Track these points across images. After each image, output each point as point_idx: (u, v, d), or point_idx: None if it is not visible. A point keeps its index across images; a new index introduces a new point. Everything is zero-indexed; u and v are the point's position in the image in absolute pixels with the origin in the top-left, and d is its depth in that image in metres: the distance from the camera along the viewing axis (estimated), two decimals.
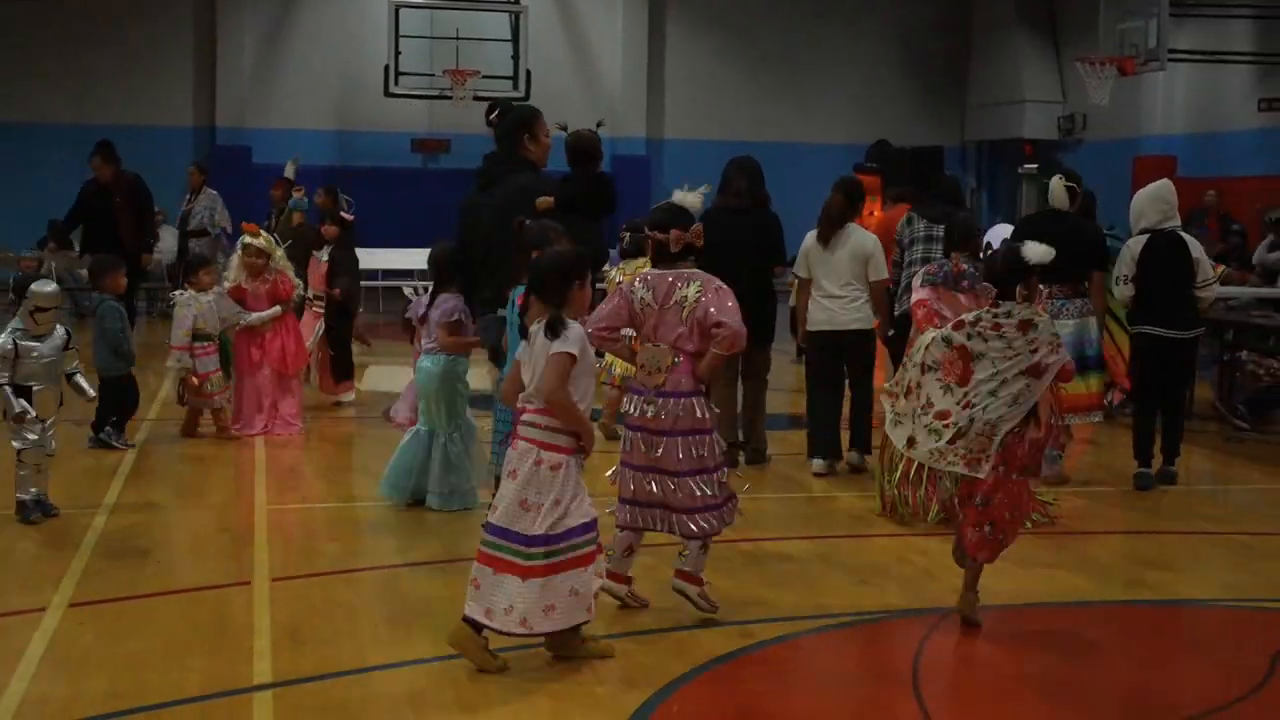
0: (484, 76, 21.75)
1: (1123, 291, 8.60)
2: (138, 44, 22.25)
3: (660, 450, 5.67)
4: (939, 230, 9.16)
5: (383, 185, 21.55)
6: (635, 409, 5.75)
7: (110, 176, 13.79)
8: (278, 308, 9.95)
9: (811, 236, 8.94)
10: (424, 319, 7.72)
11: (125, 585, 6.21)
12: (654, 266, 5.92)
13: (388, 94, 21.88)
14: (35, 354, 7.19)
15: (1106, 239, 9.26)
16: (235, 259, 10.17)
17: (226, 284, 9.96)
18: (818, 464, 8.76)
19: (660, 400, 5.68)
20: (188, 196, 17.09)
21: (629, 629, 5.71)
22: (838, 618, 5.97)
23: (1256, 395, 11.26)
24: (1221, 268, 14.06)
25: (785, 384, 10.24)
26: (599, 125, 7.96)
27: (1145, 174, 17.56)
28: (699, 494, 5.71)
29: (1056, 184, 8.90)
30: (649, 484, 5.75)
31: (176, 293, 9.80)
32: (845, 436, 8.91)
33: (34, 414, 7.15)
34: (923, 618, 5.95)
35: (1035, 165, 23.31)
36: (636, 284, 5.83)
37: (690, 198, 5.95)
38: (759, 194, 9.06)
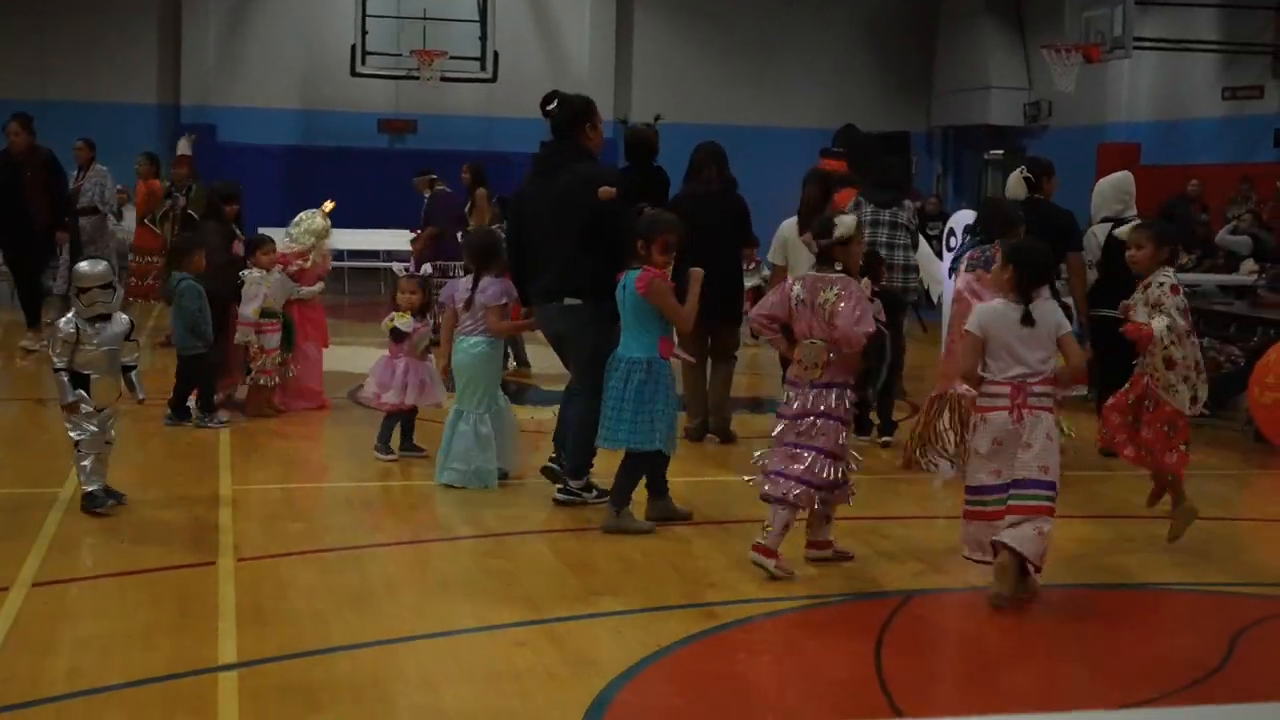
0: (451, 57, 21.67)
1: (1090, 276, 8.75)
2: (101, 19, 22.06)
3: (799, 434, 6.27)
4: (886, 215, 9.44)
5: (349, 165, 21.48)
6: (792, 401, 6.29)
7: (24, 147, 13.03)
8: (321, 284, 10.32)
9: (789, 225, 9.08)
10: (468, 303, 7.82)
11: (89, 565, 6.19)
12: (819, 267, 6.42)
13: (354, 74, 21.77)
14: (95, 341, 6.92)
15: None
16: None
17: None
18: None
19: (813, 392, 6.23)
20: (75, 174, 15.93)
21: (594, 610, 5.73)
22: (801, 600, 6.01)
23: (1216, 381, 11.34)
24: (1188, 258, 14.23)
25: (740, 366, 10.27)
26: (657, 119, 8.11)
27: (1110, 161, 17.68)
28: (818, 470, 6.24)
29: (1015, 176, 9.21)
30: (799, 459, 6.26)
31: (245, 272, 9.84)
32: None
33: (90, 405, 6.91)
34: (886, 600, 6.00)
35: (1000, 152, 23.40)
36: (795, 284, 6.38)
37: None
38: (727, 178, 9.20)
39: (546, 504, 7.61)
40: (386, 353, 8.64)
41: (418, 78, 21.65)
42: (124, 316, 7.18)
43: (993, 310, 6.01)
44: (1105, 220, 8.96)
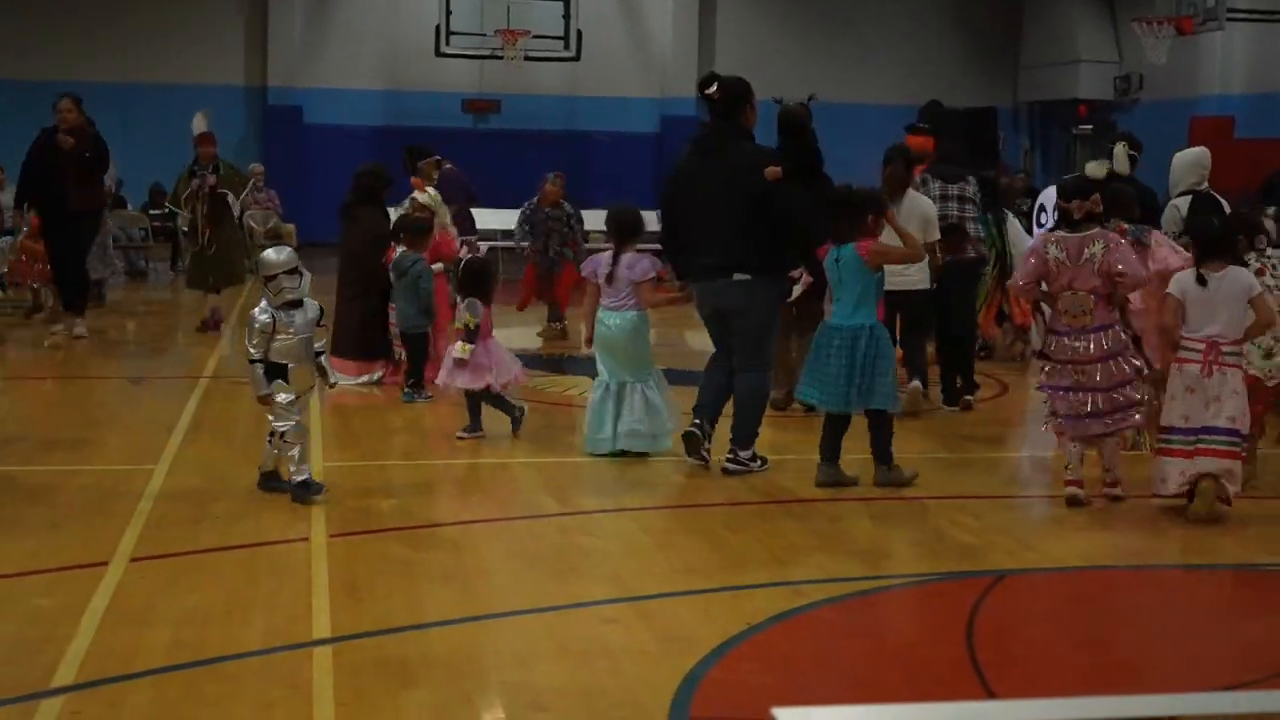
0: (535, 36, 21.75)
1: None
2: (188, 4, 22.33)
3: (1086, 375, 7.02)
4: (954, 190, 9.89)
5: (433, 145, 21.56)
6: (1065, 346, 7.05)
7: (75, 126, 12.42)
8: (440, 264, 10.34)
9: None
10: (610, 277, 7.95)
11: (185, 540, 6.28)
12: (1061, 227, 7.20)
13: (439, 54, 21.92)
14: (291, 329, 6.83)
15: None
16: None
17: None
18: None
19: (1089, 335, 7.01)
20: None
21: (681, 588, 5.74)
22: (891, 579, 5.98)
23: None
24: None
25: None
26: (810, 99, 8.24)
27: (1203, 134, 17.39)
28: (1121, 399, 7.06)
29: (1120, 150, 9.63)
30: (1084, 402, 7.05)
31: (397, 250, 10.09)
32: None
33: (288, 396, 6.83)
34: (977, 580, 5.94)
35: (1090, 126, 23.07)
36: (1050, 245, 7.12)
37: (1099, 169, 7.95)
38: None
39: (635, 481, 7.64)
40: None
41: (501, 57, 21.75)
42: (314, 303, 7.04)
43: (1187, 276, 6.87)
44: (1184, 194, 9.16)
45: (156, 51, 22.01)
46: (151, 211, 19.72)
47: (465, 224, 14.05)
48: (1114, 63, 22.91)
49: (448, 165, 14.54)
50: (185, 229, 14.72)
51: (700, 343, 11.86)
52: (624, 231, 8.09)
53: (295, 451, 6.88)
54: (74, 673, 4.65)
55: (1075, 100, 23.25)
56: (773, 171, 7.54)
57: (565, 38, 22.21)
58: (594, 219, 20.75)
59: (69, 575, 5.74)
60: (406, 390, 9.77)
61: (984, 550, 6.39)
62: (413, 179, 11.07)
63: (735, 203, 7.51)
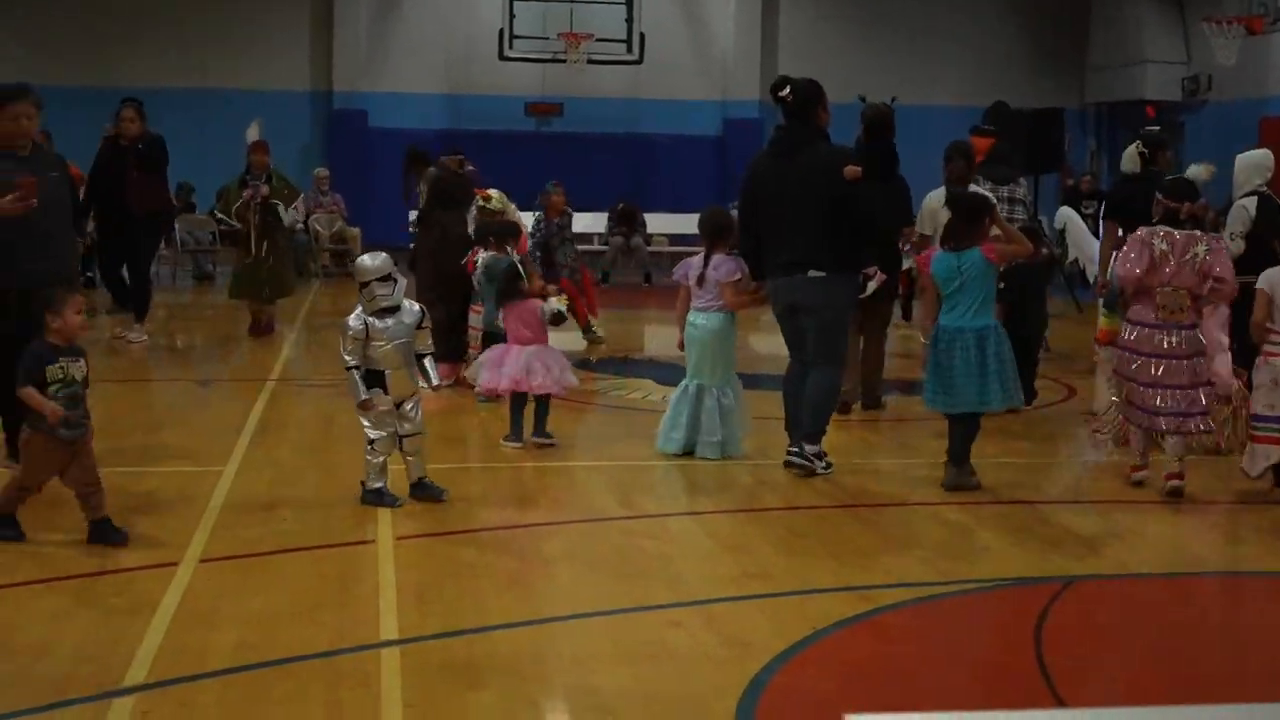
0: (598, 40, 21.76)
1: (1238, 246, 8.73)
2: (254, 9, 22.53)
3: (1168, 370, 7.31)
4: (1005, 191, 10.10)
5: (496, 149, 21.64)
6: (1154, 339, 7.33)
7: (137, 135, 12.55)
8: None
9: (936, 197, 9.34)
10: (700, 279, 8.06)
11: (253, 542, 6.33)
12: (1163, 225, 7.47)
13: (502, 57, 21.97)
14: (386, 335, 6.79)
15: None
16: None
17: None
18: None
19: (1179, 331, 7.31)
20: None
21: (746, 593, 5.72)
22: (959, 584, 5.93)
23: None
24: None
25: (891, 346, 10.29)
26: (893, 100, 8.42)
27: (1273, 135, 17.14)
28: (1193, 400, 7.30)
29: (1130, 151, 9.97)
30: (1155, 398, 7.31)
31: (483, 254, 10.15)
32: None
33: (384, 403, 6.82)
34: (1045, 586, 5.89)
35: (1158, 127, 22.78)
36: (1157, 239, 7.38)
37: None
38: None
39: (698, 484, 7.63)
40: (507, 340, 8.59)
41: (564, 60, 21.77)
42: (414, 306, 7.03)
43: (1277, 273, 7.32)
44: (1249, 194, 9.08)
45: (225, 57, 22.20)
46: (218, 216, 19.91)
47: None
48: (1182, 63, 22.62)
49: (470, 167, 14.49)
50: (229, 236, 14.63)
51: (764, 346, 11.85)
52: (715, 233, 8.21)
53: (379, 460, 6.89)
54: (145, 672, 4.70)
55: (1143, 101, 22.91)
56: (852, 171, 7.68)
57: (628, 41, 22.19)
58: (657, 222, 20.95)
59: (140, 575, 5.81)
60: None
61: (1052, 555, 6.33)
62: (476, 190, 11.13)
63: (811, 202, 7.66)
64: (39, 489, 6.27)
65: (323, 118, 22.87)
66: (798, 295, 7.78)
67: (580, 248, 14.18)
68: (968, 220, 7.53)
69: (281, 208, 13.25)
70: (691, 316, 8.20)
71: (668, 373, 11.17)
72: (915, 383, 10.60)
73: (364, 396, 6.81)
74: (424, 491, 7.03)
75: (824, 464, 7.78)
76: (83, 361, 6.20)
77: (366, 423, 6.89)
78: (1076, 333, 13.20)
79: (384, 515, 6.76)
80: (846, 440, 8.60)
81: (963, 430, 7.50)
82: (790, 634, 5.19)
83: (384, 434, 6.87)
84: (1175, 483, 7.29)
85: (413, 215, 15.82)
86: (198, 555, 6.07)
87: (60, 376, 6.07)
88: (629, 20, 22.10)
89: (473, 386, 9.21)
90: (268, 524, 6.65)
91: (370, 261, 6.90)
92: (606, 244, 20.31)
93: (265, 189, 13.09)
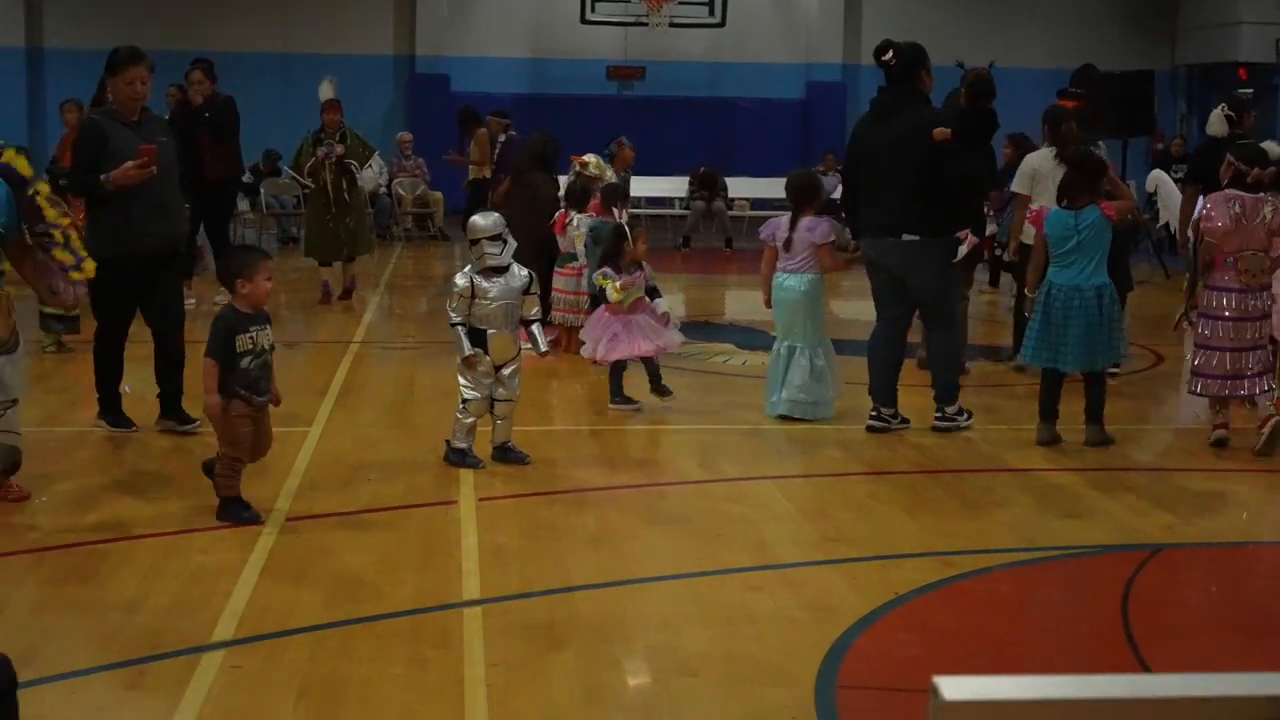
0: (680, 3, 21.66)
1: None
2: None
3: (1255, 332, 7.50)
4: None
5: (578, 113, 21.66)
6: (1233, 302, 7.48)
7: (207, 95, 12.28)
8: None
9: (1039, 157, 9.45)
10: (788, 242, 8.10)
11: (338, 501, 6.41)
12: (1233, 188, 7.60)
13: (584, 21, 21.94)
14: (491, 295, 6.82)
15: None
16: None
17: None
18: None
19: (1260, 294, 7.49)
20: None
21: (827, 557, 5.71)
22: (1043, 551, 5.88)
23: None
24: None
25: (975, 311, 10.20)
26: (991, 65, 8.52)
27: None
28: (1268, 359, 7.46)
29: (1216, 114, 10.21)
30: (1241, 360, 7.48)
31: (578, 217, 10.26)
32: None
33: (485, 364, 6.85)
34: (1131, 554, 5.82)
35: (1250, 91, 22.35)
36: (1233, 203, 7.51)
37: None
38: None
39: (780, 449, 7.62)
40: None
41: (646, 24, 21.69)
42: (524, 271, 7.00)
43: None
44: None
45: (309, 22, 22.36)
46: (290, 174, 20.08)
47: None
48: (1276, 24, 22.14)
49: (514, 133, 14.44)
50: (303, 196, 14.24)
51: (844, 310, 11.79)
52: (802, 196, 8.25)
53: (469, 420, 6.91)
54: (233, 628, 4.77)
55: (1235, 64, 22.51)
56: (940, 132, 7.69)
57: (710, 4, 22.08)
58: (738, 187, 20.84)
59: (228, 533, 5.89)
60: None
61: (1139, 524, 6.26)
62: (573, 157, 11.17)
63: (905, 164, 7.72)
64: (251, 458, 6.17)
65: (405, 82, 22.98)
66: (892, 259, 7.84)
67: (661, 212, 14.17)
68: (1086, 178, 7.60)
69: (357, 167, 13.10)
70: (779, 278, 8.22)
71: (749, 337, 11.17)
72: (998, 347, 10.53)
73: (468, 352, 6.81)
74: (508, 455, 7.07)
75: (965, 417, 7.98)
76: (269, 328, 6.13)
77: (464, 382, 6.91)
78: (1164, 299, 13.00)
79: (467, 476, 6.81)
80: (930, 405, 8.53)
81: (1096, 388, 7.67)
82: (872, 599, 5.18)
83: (479, 395, 6.89)
84: (1267, 426, 7.44)
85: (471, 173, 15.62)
86: (284, 514, 6.16)
87: (250, 346, 5.98)
88: None
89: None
90: (352, 485, 6.72)
91: (482, 220, 6.95)
92: (688, 208, 20.26)
93: (340, 148, 12.90)
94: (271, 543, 5.75)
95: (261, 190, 19.33)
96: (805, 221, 8.13)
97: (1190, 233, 9.41)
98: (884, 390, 7.94)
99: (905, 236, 7.75)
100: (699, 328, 12.10)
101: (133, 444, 7.44)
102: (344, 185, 12.99)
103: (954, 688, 1.76)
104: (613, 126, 19.31)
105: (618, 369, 8.49)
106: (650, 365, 8.48)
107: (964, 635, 4.96)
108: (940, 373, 8.02)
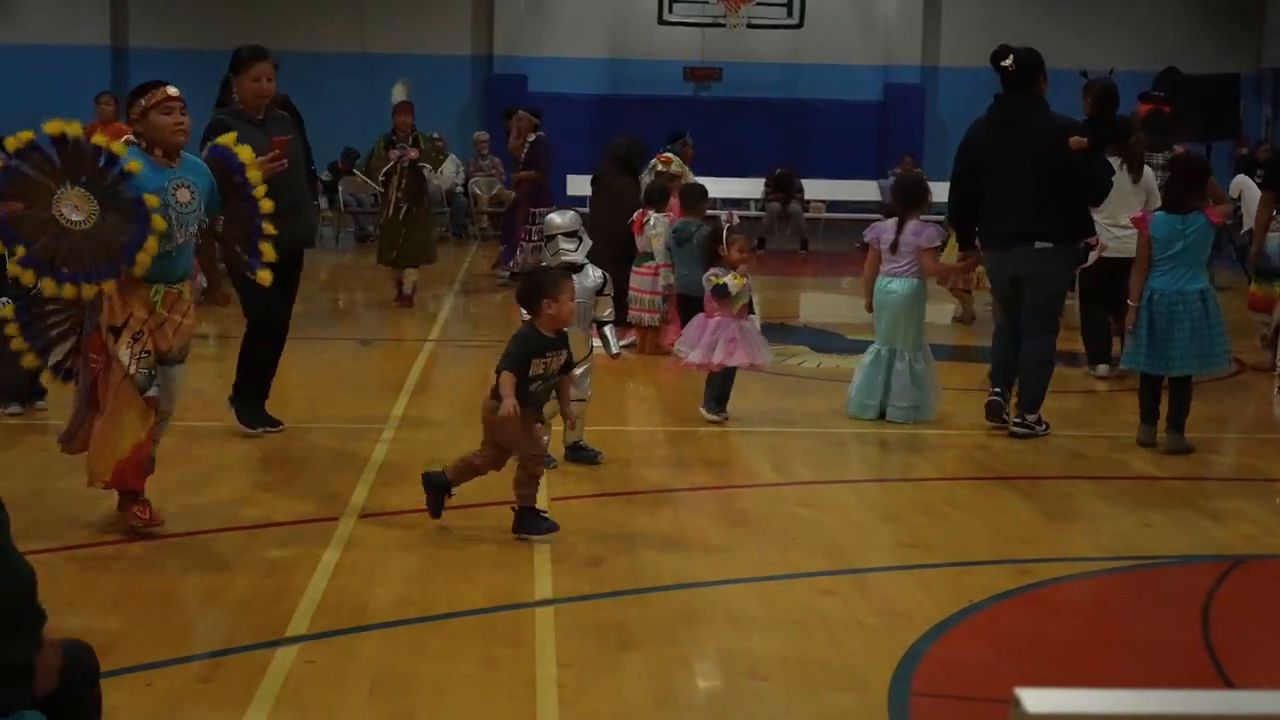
0: (758, 3, 21.62)
1: None
2: None
3: None
4: (1159, 158, 10.14)
5: (654, 114, 21.65)
6: None
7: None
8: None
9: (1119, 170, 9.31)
10: (894, 245, 8.12)
11: (411, 498, 6.43)
12: None
13: (661, 21, 21.95)
14: None
15: None
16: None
17: None
18: (1102, 369, 9.73)
19: None
20: None
21: (901, 563, 5.66)
22: (1122, 560, 5.79)
23: None
24: None
25: None
26: (1111, 72, 8.55)
27: None
28: None
29: None
30: None
31: (655, 216, 10.33)
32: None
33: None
34: (1213, 565, 5.73)
35: None
36: None
37: None
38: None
39: (853, 453, 7.57)
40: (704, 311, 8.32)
41: (724, 25, 21.66)
42: (598, 272, 7.01)
43: None
44: None
45: (390, 22, 22.52)
46: (360, 176, 20.23)
47: (541, 197, 13.73)
48: None
49: (542, 133, 14.31)
50: (374, 200, 14.03)
51: (934, 315, 11.70)
52: (910, 200, 8.30)
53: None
54: (307, 623, 4.80)
55: None
56: (1077, 141, 7.76)
57: (788, 4, 22.01)
58: (814, 189, 20.75)
59: (303, 529, 5.94)
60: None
61: (1220, 534, 6.15)
62: (658, 155, 11.24)
63: (1040, 171, 7.71)
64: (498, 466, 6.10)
65: (482, 82, 23.09)
66: (1022, 266, 7.81)
67: (737, 213, 14.15)
68: (1191, 184, 7.61)
69: (429, 170, 12.97)
70: (883, 282, 8.22)
71: (824, 339, 11.12)
72: (1074, 353, 10.40)
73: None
74: (580, 454, 7.07)
75: (1044, 427, 7.91)
76: (564, 351, 5.97)
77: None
78: (1246, 305, 12.77)
79: None
80: (977, 409, 8.45)
81: (1183, 395, 7.61)
82: (946, 606, 5.12)
83: (581, 396, 6.90)
84: None
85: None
86: (358, 510, 6.19)
87: (542, 371, 5.86)
88: None
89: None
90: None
91: (559, 218, 7.01)
92: (763, 210, 20.20)
93: (414, 152, 12.68)
94: (346, 539, 5.78)
95: (340, 188, 19.51)
96: (912, 225, 8.16)
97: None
98: (1025, 392, 7.92)
99: (1038, 244, 7.73)
100: (774, 330, 12.04)
101: (208, 439, 7.51)
102: (414, 191, 12.76)
103: (1036, 700, 1.73)
104: (689, 127, 19.36)
105: (724, 376, 8.16)
106: (730, 380, 8.22)
107: (1040, 645, 4.89)
108: (1031, 379, 7.92)
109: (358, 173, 13.50)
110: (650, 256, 10.30)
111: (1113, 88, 8.65)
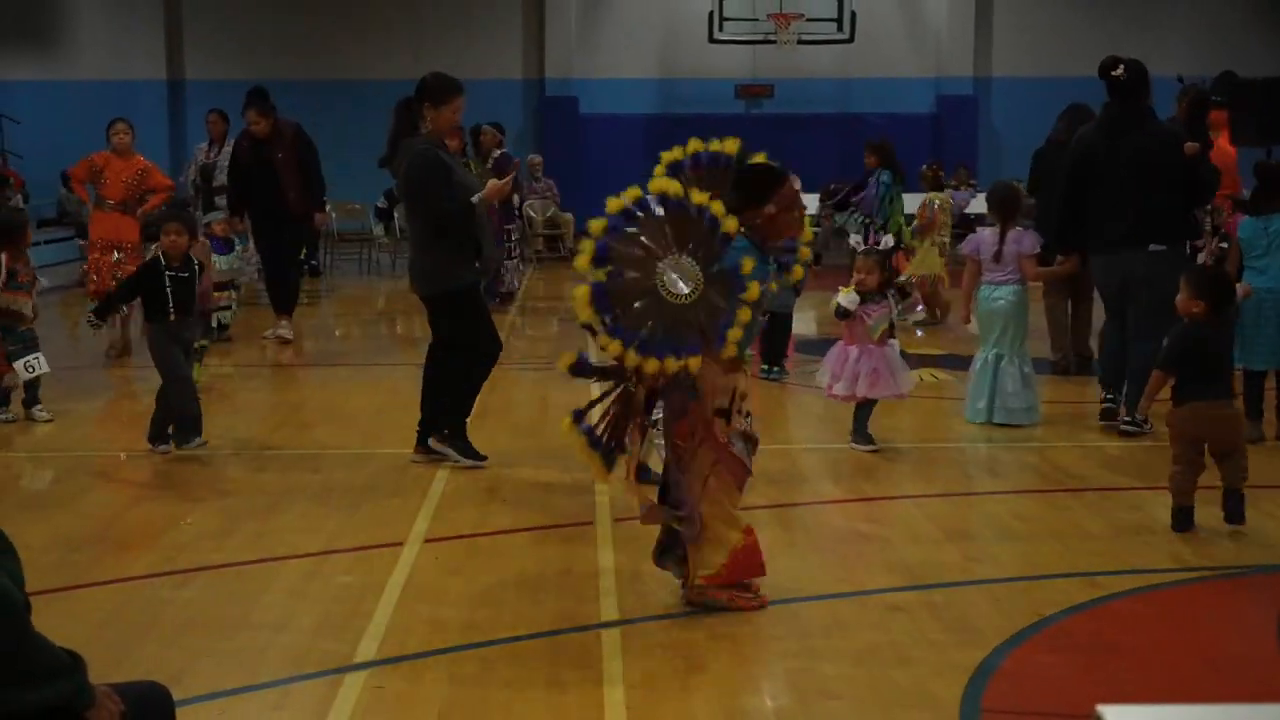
0: (809, 20, 21.58)
1: None
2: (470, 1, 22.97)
3: None
4: None
5: (706, 132, 21.37)
6: None
7: (267, 130, 11.89)
8: None
9: None
10: (998, 254, 8.35)
11: (475, 522, 6.45)
12: None
13: (711, 40, 21.95)
14: None
15: None
16: None
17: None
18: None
19: None
20: (206, 147, 14.22)
21: (968, 578, 5.61)
22: (1195, 571, 5.71)
23: None
24: None
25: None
26: (1179, 79, 8.79)
27: None
28: None
29: None
30: None
31: None
32: None
33: None
34: None
35: None
36: None
37: None
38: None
39: (914, 468, 7.52)
40: (842, 339, 8.08)
41: (774, 42, 21.65)
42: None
43: None
44: None
45: (442, 49, 22.63)
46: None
47: (506, 213, 13.40)
48: None
49: (506, 150, 13.99)
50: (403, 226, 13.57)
51: (962, 327, 11.60)
52: (1007, 208, 8.49)
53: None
54: (375, 648, 4.82)
55: None
56: (1191, 147, 8.32)
57: (839, 19, 21.96)
58: None
59: (368, 554, 5.97)
60: (765, 368, 10.00)
61: None
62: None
63: (1153, 176, 8.03)
64: None
65: (535, 104, 23.19)
66: (1133, 269, 8.05)
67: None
68: (1274, 187, 7.93)
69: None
70: (988, 290, 8.46)
71: None
72: None
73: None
74: (648, 475, 7.03)
75: (1149, 426, 8.00)
76: None
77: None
78: None
79: (602, 498, 6.81)
80: (1070, 412, 8.41)
81: (1257, 387, 7.91)
82: (1016, 620, 5.07)
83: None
84: None
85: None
86: (422, 535, 6.21)
87: None
88: None
89: None
90: (488, 505, 6.76)
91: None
92: (818, 225, 20.13)
93: None
94: (411, 563, 5.80)
95: (395, 215, 19.60)
96: (1013, 234, 8.36)
97: None
98: (1133, 392, 7.99)
99: (1152, 247, 7.99)
100: (828, 345, 11.99)
101: (274, 465, 7.56)
102: None
103: (1119, 716, 1.71)
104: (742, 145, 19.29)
105: (868, 406, 7.91)
106: (866, 409, 7.94)
107: (1113, 658, 4.83)
108: (1140, 381, 7.73)
109: (388, 203, 12.97)
110: None
111: (1206, 94, 8.98)
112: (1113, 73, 8.19)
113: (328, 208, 13.64)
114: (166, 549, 6.04)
